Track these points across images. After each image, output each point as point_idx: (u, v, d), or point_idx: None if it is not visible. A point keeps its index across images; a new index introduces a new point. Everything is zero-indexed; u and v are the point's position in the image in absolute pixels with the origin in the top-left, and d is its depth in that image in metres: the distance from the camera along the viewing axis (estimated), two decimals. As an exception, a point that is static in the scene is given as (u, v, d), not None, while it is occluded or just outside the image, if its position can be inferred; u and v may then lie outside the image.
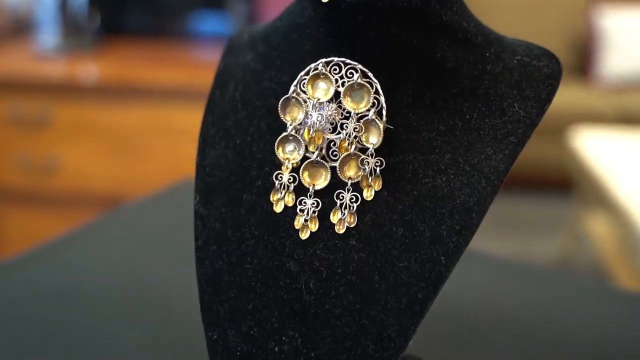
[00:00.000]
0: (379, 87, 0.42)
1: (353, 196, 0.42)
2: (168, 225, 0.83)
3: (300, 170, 0.43)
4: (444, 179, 0.41)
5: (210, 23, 2.12)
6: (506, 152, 0.41)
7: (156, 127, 1.80)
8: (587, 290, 0.73)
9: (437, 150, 0.42)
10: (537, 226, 2.45)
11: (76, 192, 1.85)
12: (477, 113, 0.42)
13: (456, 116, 0.42)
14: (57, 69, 1.90)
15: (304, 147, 0.43)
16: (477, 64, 0.43)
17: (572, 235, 2.23)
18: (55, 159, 1.83)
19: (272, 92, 0.46)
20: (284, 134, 0.43)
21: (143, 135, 1.81)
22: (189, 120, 1.77)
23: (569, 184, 2.47)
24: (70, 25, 2.01)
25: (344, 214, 0.42)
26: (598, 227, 2.09)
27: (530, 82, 0.44)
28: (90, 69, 1.90)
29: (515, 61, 0.44)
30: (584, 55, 3.04)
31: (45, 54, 1.97)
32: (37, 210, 1.88)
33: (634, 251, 1.75)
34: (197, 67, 1.93)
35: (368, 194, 0.42)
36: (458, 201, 0.40)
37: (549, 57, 0.45)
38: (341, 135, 0.42)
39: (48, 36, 2.00)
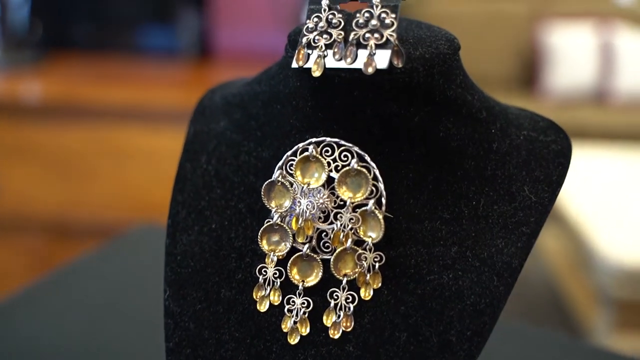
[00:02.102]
0: (377, 172, 0.37)
1: (349, 295, 0.37)
2: (126, 283, 0.76)
3: (289, 264, 0.38)
4: (450, 275, 0.37)
5: (159, 37, 2.04)
6: (519, 244, 0.37)
7: (102, 148, 1.72)
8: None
9: (441, 242, 0.37)
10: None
11: (18, 217, 1.75)
12: (484, 198, 0.38)
13: (462, 202, 0.38)
14: (-5, 85, 1.79)
15: (291, 238, 0.38)
16: (482, 143, 0.39)
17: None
18: (-6, 182, 1.73)
19: (252, 168, 0.41)
20: (268, 222, 0.38)
21: (88, 157, 1.72)
22: (137, 141, 1.69)
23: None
24: (10, 38, 1.90)
25: (339, 316, 0.37)
26: (550, 241, 2.10)
27: (539, 161, 0.40)
28: (31, 86, 1.80)
29: (521, 137, 0.41)
30: (530, 70, 3.07)
31: (-18, 69, 1.86)
32: (-25, 237, 1.76)
33: (585, 265, 1.76)
34: (145, 84, 1.84)
35: (366, 294, 0.37)
36: (468, 302, 0.36)
37: (556, 131, 0.42)
38: (334, 225, 0.37)
39: (-15, 50, 1.89)
